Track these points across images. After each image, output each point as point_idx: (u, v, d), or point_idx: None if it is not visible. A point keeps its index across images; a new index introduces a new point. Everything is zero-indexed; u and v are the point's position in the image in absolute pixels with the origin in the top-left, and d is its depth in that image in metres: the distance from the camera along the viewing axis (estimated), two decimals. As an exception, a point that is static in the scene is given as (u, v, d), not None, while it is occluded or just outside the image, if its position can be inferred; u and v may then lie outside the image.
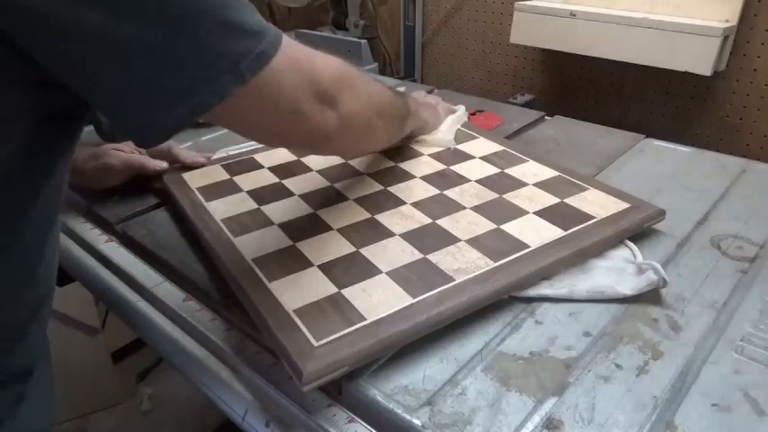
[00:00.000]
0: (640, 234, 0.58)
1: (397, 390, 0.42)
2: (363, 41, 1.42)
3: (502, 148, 0.72)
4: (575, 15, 1.15)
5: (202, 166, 0.71)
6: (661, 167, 0.72)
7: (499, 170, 0.67)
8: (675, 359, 0.44)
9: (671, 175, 0.70)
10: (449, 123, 0.77)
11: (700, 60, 1.02)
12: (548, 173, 0.66)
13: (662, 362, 0.43)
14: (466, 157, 0.70)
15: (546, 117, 0.90)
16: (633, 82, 1.26)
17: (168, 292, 0.55)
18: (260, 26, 0.36)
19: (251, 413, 0.46)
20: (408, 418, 0.39)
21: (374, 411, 0.41)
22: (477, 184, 0.64)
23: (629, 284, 0.49)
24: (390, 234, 0.55)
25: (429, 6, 1.55)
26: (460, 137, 0.76)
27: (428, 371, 0.43)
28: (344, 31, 1.57)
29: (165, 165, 0.70)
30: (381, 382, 0.42)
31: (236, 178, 0.67)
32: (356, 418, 0.42)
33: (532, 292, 0.50)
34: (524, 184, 0.63)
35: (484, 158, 0.70)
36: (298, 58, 0.40)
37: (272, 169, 0.69)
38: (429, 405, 0.40)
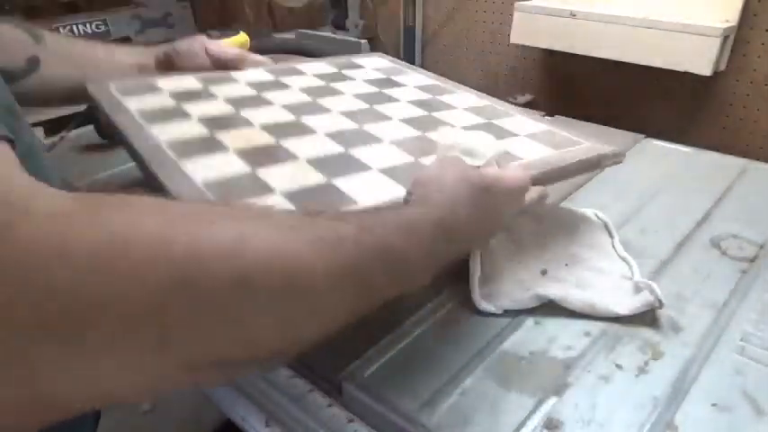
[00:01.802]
0: (639, 234, 0.58)
1: (396, 390, 0.42)
2: (363, 41, 1.42)
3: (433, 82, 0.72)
4: (575, 15, 1.15)
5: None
6: (661, 167, 0.72)
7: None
8: (675, 359, 0.44)
9: (671, 175, 0.70)
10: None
11: (700, 60, 1.02)
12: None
13: (662, 362, 0.43)
14: (392, 99, 0.67)
15: (546, 117, 0.90)
16: (633, 82, 1.26)
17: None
18: None
19: (251, 413, 0.46)
20: (408, 418, 0.39)
21: (374, 411, 0.41)
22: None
23: (624, 304, 0.48)
24: (296, 158, 0.51)
25: (429, 6, 1.55)
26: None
27: (428, 371, 0.43)
28: (344, 31, 1.57)
29: (254, 57, 0.72)
30: (381, 382, 0.42)
31: (126, 98, 0.59)
32: (356, 419, 0.42)
33: (527, 296, 0.49)
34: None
35: (417, 87, 0.70)
36: None
37: (172, 94, 0.62)
38: (429, 405, 0.40)
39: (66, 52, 0.63)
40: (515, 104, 0.77)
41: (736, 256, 0.55)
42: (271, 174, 0.47)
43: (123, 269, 0.21)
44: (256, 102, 0.62)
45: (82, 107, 0.73)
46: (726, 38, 1.03)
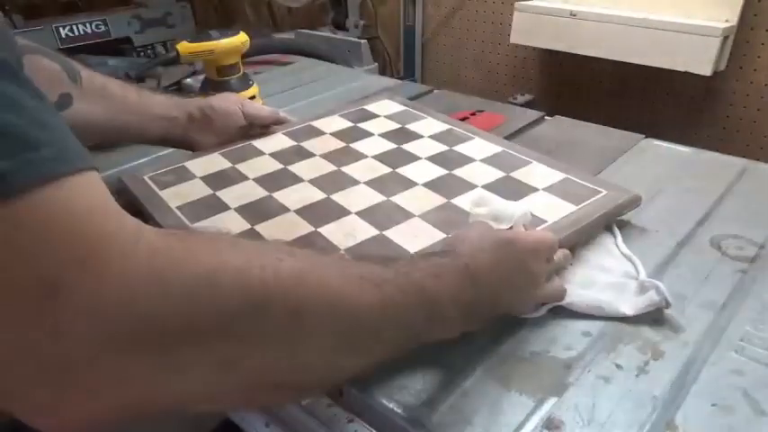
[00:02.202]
0: (639, 234, 0.58)
1: (397, 390, 0.42)
2: (363, 41, 1.42)
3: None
4: (575, 15, 1.15)
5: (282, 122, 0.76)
6: (661, 167, 0.72)
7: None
8: (675, 359, 0.44)
9: (671, 175, 0.70)
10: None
11: (700, 60, 1.02)
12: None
13: (662, 362, 0.43)
14: (413, 158, 0.69)
15: (546, 117, 0.90)
16: (633, 82, 1.26)
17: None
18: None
19: (251, 413, 0.46)
20: (408, 418, 0.39)
21: (374, 411, 0.41)
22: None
23: (630, 303, 0.48)
24: (347, 213, 0.57)
25: (429, 6, 1.55)
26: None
27: (428, 371, 0.43)
28: (344, 31, 1.57)
29: (282, 114, 0.75)
30: (381, 382, 0.42)
31: (163, 192, 0.63)
32: (356, 418, 0.42)
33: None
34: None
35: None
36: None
37: (204, 179, 0.66)
38: (429, 405, 0.40)
39: (98, 93, 0.64)
40: (515, 104, 0.77)
41: (736, 256, 0.55)
42: None
43: (210, 298, 0.25)
44: (285, 178, 0.65)
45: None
46: (726, 38, 1.03)
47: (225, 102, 0.72)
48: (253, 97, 0.88)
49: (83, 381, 0.23)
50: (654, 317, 0.47)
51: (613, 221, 0.58)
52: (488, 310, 0.42)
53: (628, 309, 0.47)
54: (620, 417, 0.39)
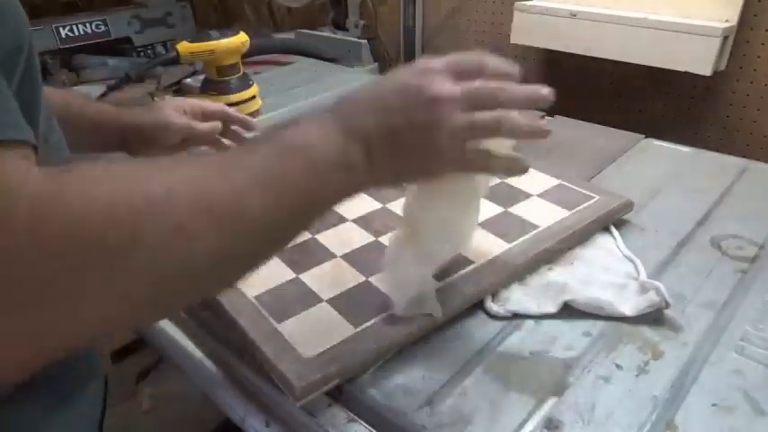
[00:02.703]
0: (639, 234, 0.58)
1: (397, 390, 0.42)
2: (363, 41, 1.42)
3: None
4: (575, 15, 1.15)
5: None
6: (661, 167, 0.72)
7: None
8: (675, 359, 0.44)
9: (671, 175, 0.70)
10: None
11: (700, 60, 1.02)
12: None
13: (662, 362, 0.43)
14: None
15: (546, 117, 0.90)
16: (633, 82, 1.26)
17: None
18: None
19: (251, 413, 0.46)
20: (408, 418, 0.39)
21: (374, 411, 0.41)
22: None
23: (630, 304, 0.48)
24: (344, 220, 0.58)
25: (429, 6, 1.55)
26: None
27: (428, 371, 0.43)
28: (344, 31, 1.57)
29: (218, 125, 0.65)
30: (381, 382, 0.42)
31: None
32: (356, 418, 0.42)
33: (534, 306, 0.49)
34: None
35: None
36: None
37: None
38: (429, 405, 0.40)
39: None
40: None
41: (736, 256, 0.55)
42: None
43: (86, 242, 0.25)
44: None
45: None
46: (726, 38, 1.03)
47: (160, 114, 0.63)
48: (253, 97, 0.88)
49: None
50: (654, 317, 0.47)
51: (609, 225, 0.59)
52: (380, 146, 0.35)
53: (628, 309, 0.47)
54: (620, 417, 0.39)
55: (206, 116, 0.67)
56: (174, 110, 0.65)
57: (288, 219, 0.33)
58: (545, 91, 0.37)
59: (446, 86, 0.35)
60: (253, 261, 0.33)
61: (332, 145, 0.34)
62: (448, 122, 0.35)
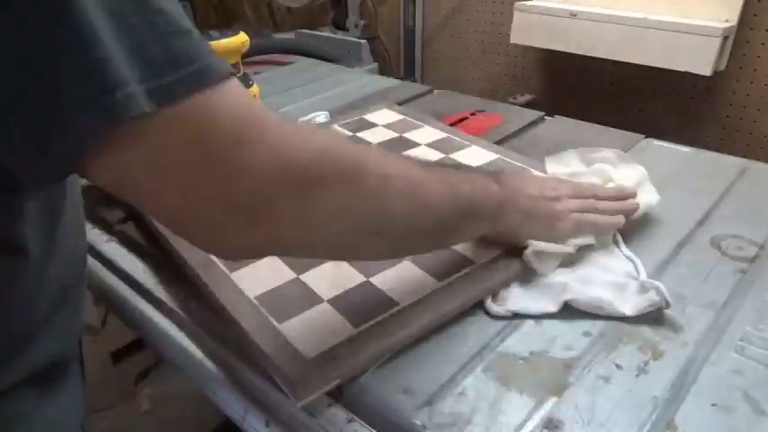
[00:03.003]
0: (639, 234, 0.58)
1: (397, 390, 0.42)
2: (363, 41, 1.42)
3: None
4: (575, 15, 1.15)
5: None
6: (661, 167, 0.72)
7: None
8: (675, 359, 0.44)
9: (671, 175, 0.70)
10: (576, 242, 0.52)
11: (700, 60, 1.02)
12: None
13: (662, 362, 0.43)
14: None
15: (546, 117, 0.90)
16: (633, 82, 1.26)
17: (168, 292, 0.55)
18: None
19: (251, 413, 0.46)
20: (408, 418, 0.39)
21: (374, 411, 0.41)
22: None
23: (630, 304, 0.48)
24: None
25: (429, 6, 1.55)
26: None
27: (428, 371, 0.43)
28: (344, 31, 1.57)
29: None
30: (381, 382, 0.42)
31: None
32: (356, 418, 0.42)
33: (533, 305, 0.49)
34: None
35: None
36: (214, 131, 0.30)
37: None
38: (429, 405, 0.40)
39: None
40: (515, 104, 0.77)
41: (736, 256, 0.55)
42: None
43: (332, 157, 0.34)
44: None
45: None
46: (726, 38, 1.03)
47: None
48: (253, 97, 0.88)
49: (260, 214, 0.32)
50: (654, 317, 0.47)
51: None
52: (514, 217, 0.50)
53: (628, 309, 0.47)
54: (620, 417, 0.39)
55: None
56: None
57: (446, 233, 0.45)
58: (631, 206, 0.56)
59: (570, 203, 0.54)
60: (416, 245, 0.44)
61: (495, 211, 0.48)
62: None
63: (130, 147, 0.28)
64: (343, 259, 0.49)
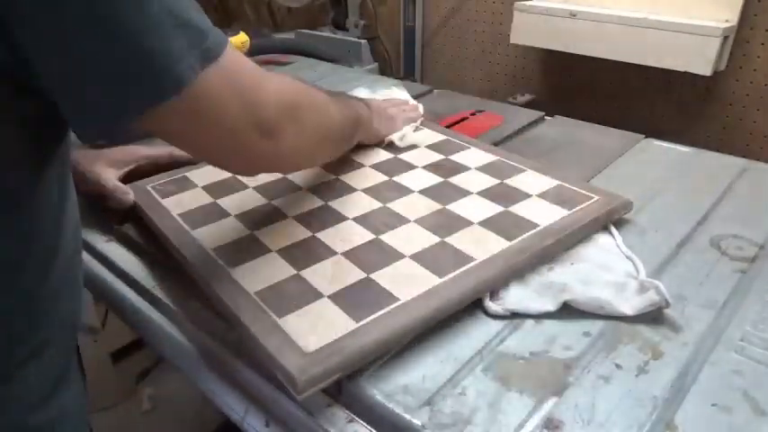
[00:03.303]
0: (639, 234, 0.58)
1: (397, 390, 0.42)
2: (363, 41, 1.42)
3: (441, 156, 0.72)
4: (575, 15, 1.15)
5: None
6: (661, 167, 0.72)
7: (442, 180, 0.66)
8: (675, 359, 0.44)
9: (671, 175, 0.70)
10: (403, 132, 0.76)
11: (700, 60, 1.02)
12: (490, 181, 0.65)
13: (662, 362, 0.43)
14: (409, 166, 0.69)
15: (546, 117, 0.90)
16: (633, 82, 1.26)
17: (168, 292, 0.55)
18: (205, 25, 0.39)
19: (251, 413, 0.46)
20: (408, 418, 0.39)
21: (374, 411, 0.41)
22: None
23: (630, 303, 0.48)
24: (344, 219, 0.58)
25: (429, 6, 1.55)
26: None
27: (428, 371, 0.43)
28: (344, 31, 1.57)
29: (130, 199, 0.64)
30: (381, 381, 0.42)
31: (165, 201, 0.63)
32: (356, 418, 0.42)
33: (533, 305, 0.49)
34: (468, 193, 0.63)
35: (426, 168, 0.69)
36: (239, 77, 0.40)
37: (206, 188, 0.65)
38: (429, 405, 0.40)
39: None
40: (515, 104, 0.77)
41: (736, 256, 0.55)
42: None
43: (304, 96, 0.49)
44: (284, 187, 0.65)
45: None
46: (726, 38, 1.03)
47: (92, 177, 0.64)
48: (245, 47, 0.86)
49: (274, 130, 0.43)
50: (654, 317, 0.47)
51: (608, 224, 0.59)
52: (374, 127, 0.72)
53: (628, 309, 0.47)
54: (619, 417, 0.39)
55: (151, 161, 0.71)
56: (109, 166, 0.66)
57: (341, 141, 0.62)
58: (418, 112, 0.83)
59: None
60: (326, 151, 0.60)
61: (367, 118, 0.69)
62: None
63: (189, 96, 0.37)
64: (314, 163, 0.63)
